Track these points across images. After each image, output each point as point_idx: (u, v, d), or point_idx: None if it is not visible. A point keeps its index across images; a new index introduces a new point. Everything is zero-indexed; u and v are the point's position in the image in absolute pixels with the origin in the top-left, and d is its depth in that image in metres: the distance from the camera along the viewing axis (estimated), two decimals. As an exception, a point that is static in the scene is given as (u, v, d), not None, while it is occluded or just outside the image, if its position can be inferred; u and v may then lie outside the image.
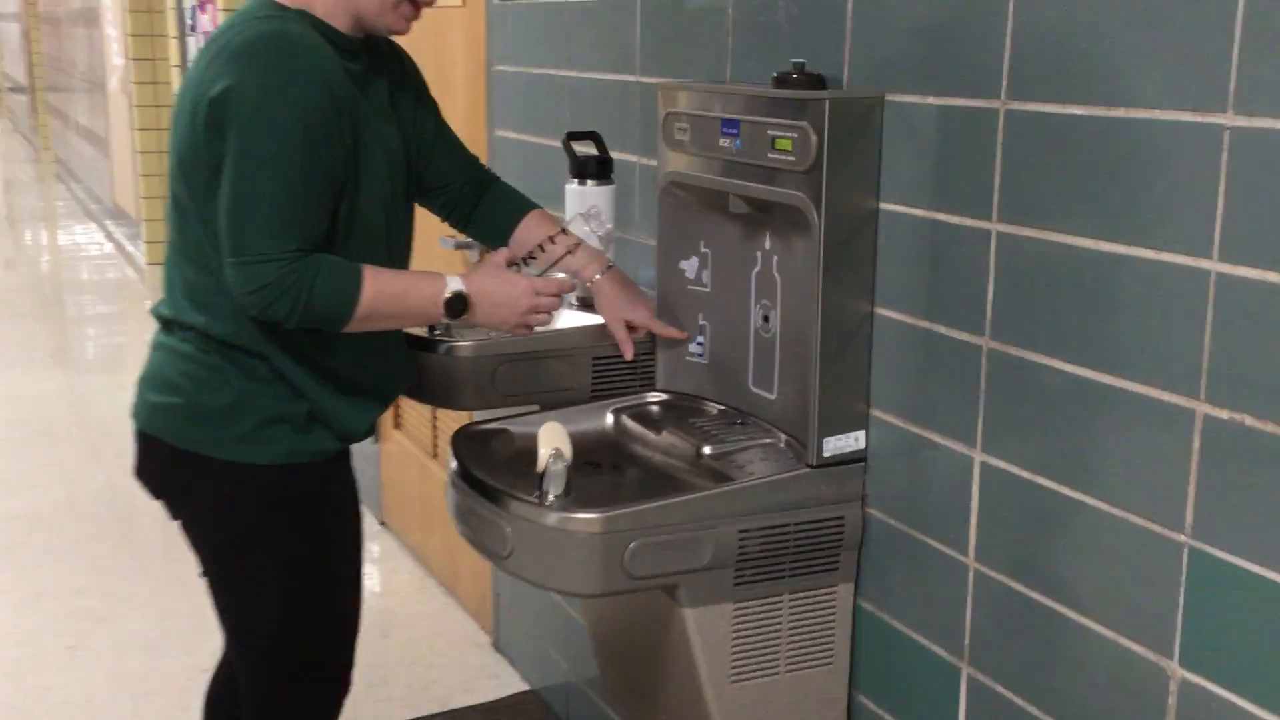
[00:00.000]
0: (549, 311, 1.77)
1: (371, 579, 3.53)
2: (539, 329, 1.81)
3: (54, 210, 11.13)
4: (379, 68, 1.80)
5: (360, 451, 1.93)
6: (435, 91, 2.05)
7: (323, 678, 1.84)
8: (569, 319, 2.10)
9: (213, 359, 1.70)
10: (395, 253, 1.83)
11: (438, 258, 3.04)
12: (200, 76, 1.64)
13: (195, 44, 6.12)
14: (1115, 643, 1.34)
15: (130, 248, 8.68)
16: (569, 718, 2.72)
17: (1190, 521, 1.24)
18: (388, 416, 3.65)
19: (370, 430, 1.84)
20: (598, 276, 1.91)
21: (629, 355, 1.93)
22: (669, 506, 1.60)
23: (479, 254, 2.26)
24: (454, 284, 1.69)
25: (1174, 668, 1.28)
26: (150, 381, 1.76)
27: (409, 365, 1.89)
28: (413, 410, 3.52)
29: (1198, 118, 1.19)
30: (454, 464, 1.76)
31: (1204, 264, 1.20)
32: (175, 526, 1.81)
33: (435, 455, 3.39)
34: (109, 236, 9.36)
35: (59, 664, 3.06)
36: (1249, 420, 1.17)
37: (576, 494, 1.61)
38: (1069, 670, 1.41)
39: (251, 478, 1.72)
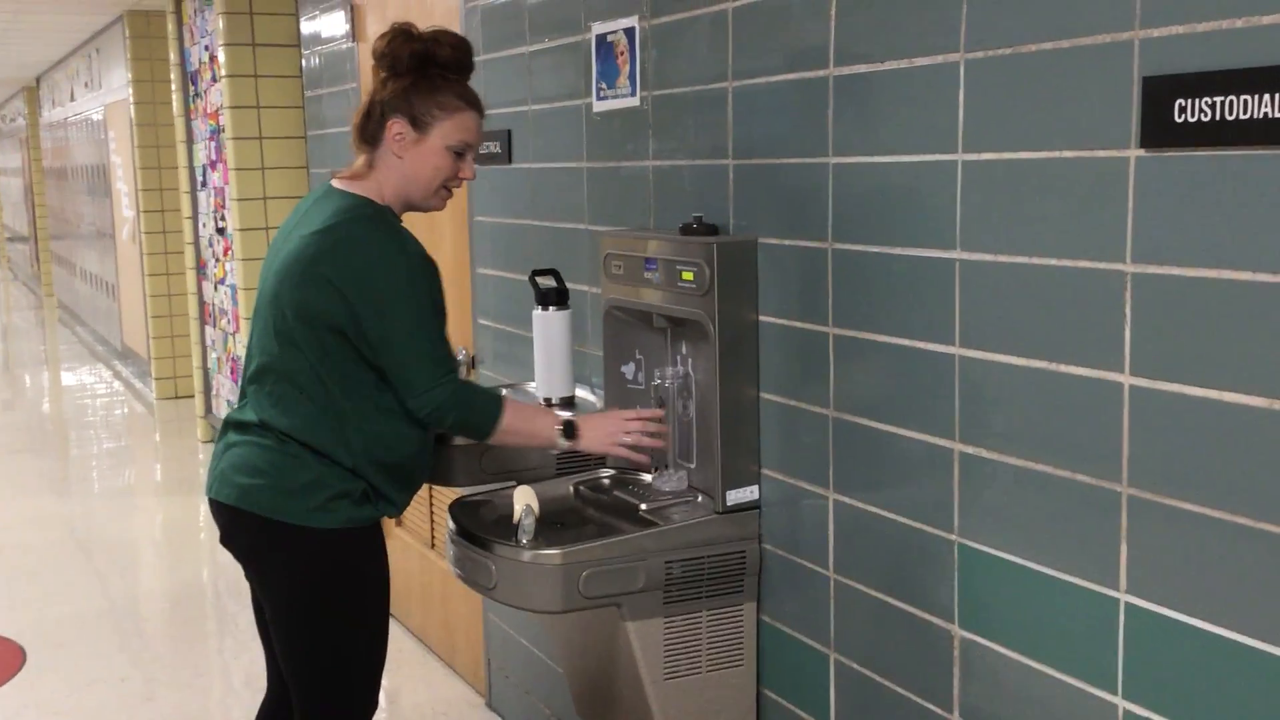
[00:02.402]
0: (639, 434, 2.28)
1: (379, 659, 4.03)
2: (641, 451, 2.30)
3: (57, 353, 11.72)
4: None
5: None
6: (429, 238, 2.68)
7: (362, 699, 2.37)
8: (537, 415, 2.68)
9: (293, 449, 2.22)
10: None
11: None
12: (323, 256, 2.16)
13: (206, 198, 6.79)
14: (920, 617, 1.90)
15: (139, 385, 9.27)
16: (552, 756, 3.22)
17: (957, 524, 1.81)
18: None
19: (406, 506, 2.38)
20: None
21: None
22: (611, 544, 2.16)
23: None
24: (564, 415, 2.24)
25: (955, 630, 1.84)
26: (237, 469, 2.26)
27: (432, 458, 2.43)
28: (412, 509, 4.08)
29: (940, 254, 1.80)
30: (451, 524, 2.32)
31: (950, 350, 1.79)
32: (195, 625, 2.33)
33: (433, 546, 3.93)
34: (117, 375, 9.95)
35: (115, 734, 3.56)
36: (984, 452, 1.76)
37: (542, 538, 2.18)
38: (895, 641, 1.96)
39: (320, 539, 2.23)
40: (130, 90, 8.40)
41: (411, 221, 2.33)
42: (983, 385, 1.75)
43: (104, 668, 4.05)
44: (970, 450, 1.78)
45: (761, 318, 2.21)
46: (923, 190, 1.82)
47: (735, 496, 2.25)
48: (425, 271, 2.21)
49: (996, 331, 1.72)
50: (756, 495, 2.26)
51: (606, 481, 2.52)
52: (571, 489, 2.51)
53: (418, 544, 4.04)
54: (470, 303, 3.44)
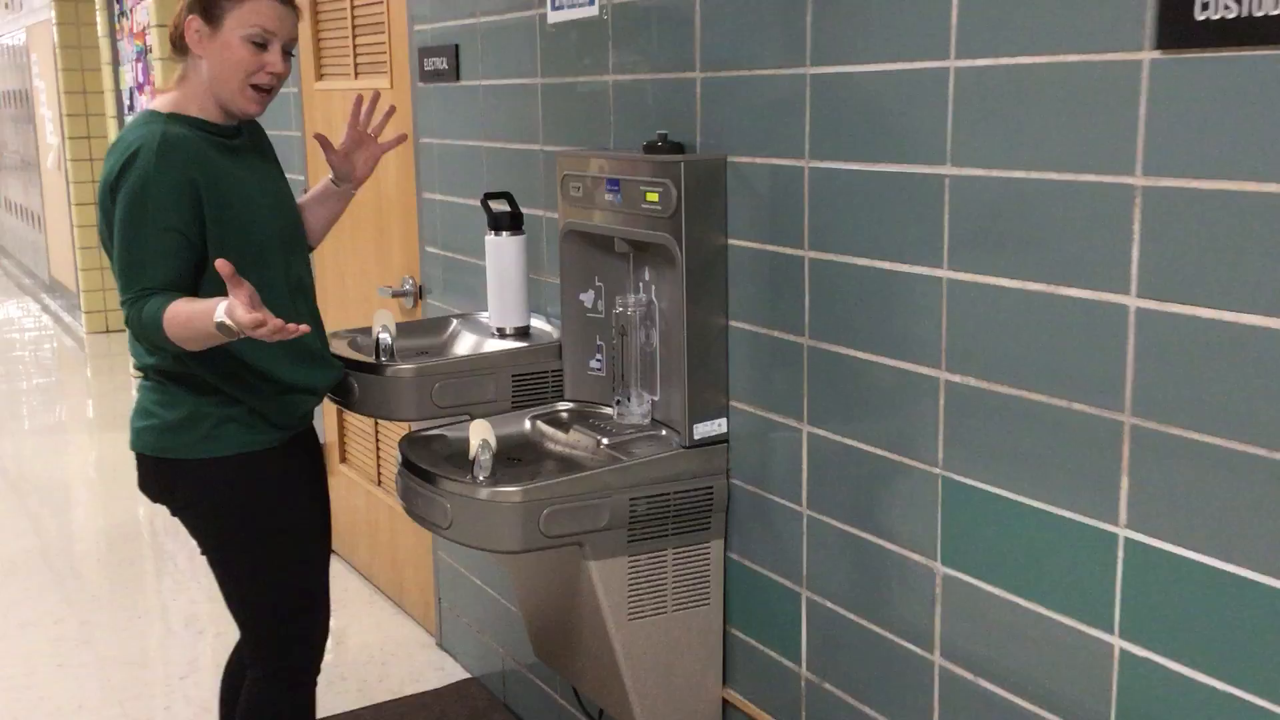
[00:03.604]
0: (252, 325, 1.89)
1: (325, 599, 3.92)
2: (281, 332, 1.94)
3: (-16, 286, 11.36)
4: (255, 140, 2.31)
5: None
6: None
7: (305, 626, 2.30)
8: (490, 344, 2.56)
9: (169, 386, 2.19)
10: (295, 263, 2.29)
11: (374, 304, 3.50)
12: (103, 177, 2.13)
13: (134, 123, 6.52)
14: (899, 553, 1.81)
15: (69, 318, 8.98)
16: (506, 696, 3.14)
17: (940, 457, 1.72)
18: (334, 451, 4.06)
19: (303, 420, 2.32)
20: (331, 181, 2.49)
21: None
22: (574, 480, 2.05)
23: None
24: (219, 313, 1.93)
25: (938, 566, 1.75)
26: (135, 414, 2.26)
27: (327, 364, 2.34)
28: (357, 444, 3.94)
29: (928, 170, 1.68)
30: (401, 460, 2.20)
31: (937, 272, 1.69)
32: (132, 565, 2.29)
33: (379, 483, 3.80)
34: (45, 309, 9.64)
35: (50, 679, 3.42)
36: (972, 381, 1.66)
37: (500, 475, 2.06)
38: (871, 578, 1.88)
39: (217, 469, 2.20)
40: (53, 10, 8.03)
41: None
42: (972, 310, 1.65)
43: (37, 610, 3.89)
44: (956, 379, 1.68)
45: (731, 241, 2.10)
46: (910, 101, 1.70)
47: (702, 430, 2.14)
48: (156, 181, 2.06)
49: (988, 252, 1.61)
50: (725, 428, 2.16)
51: (565, 415, 2.40)
52: (529, 423, 2.39)
53: (363, 481, 3.91)
54: (417, 230, 3.29)
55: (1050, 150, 1.51)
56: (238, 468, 2.21)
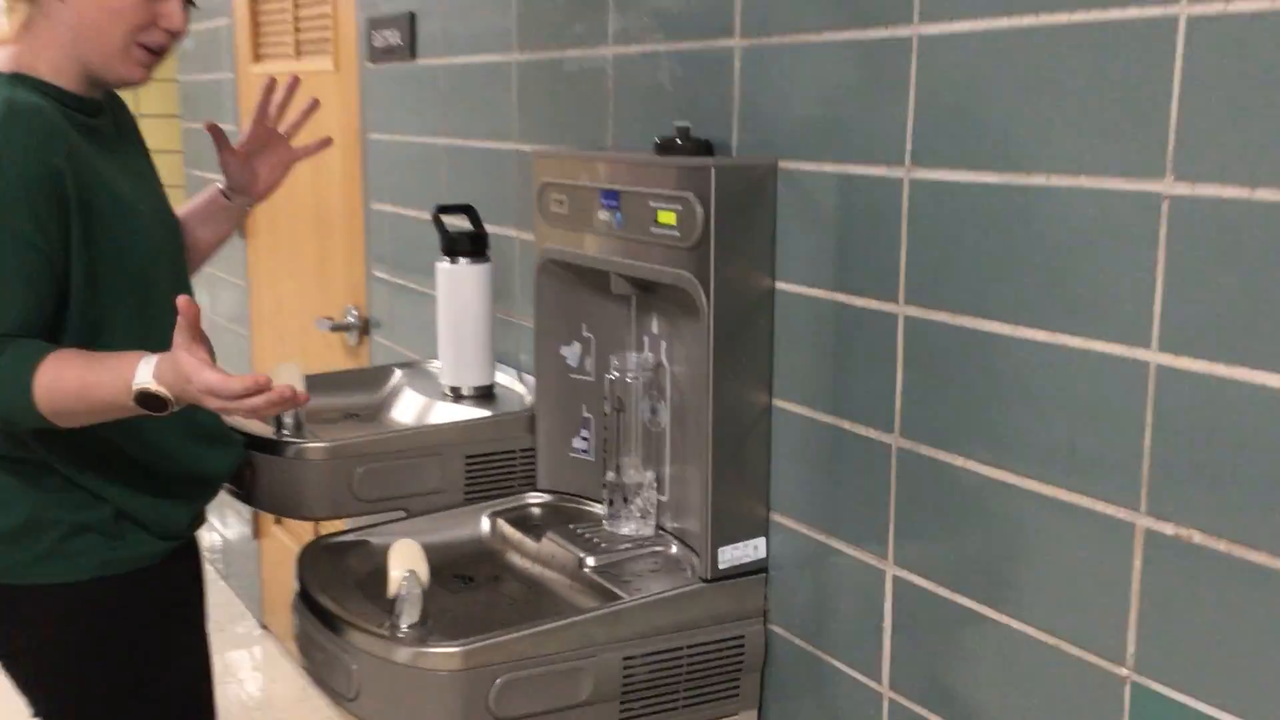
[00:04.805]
0: (241, 393, 1.33)
1: (251, 688, 3.27)
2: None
3: None
4: (119, 121, 1.66)
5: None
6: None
7: None
8: (439, 410, 1.91)
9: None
10: (179, 283, 1.66)
11: (315, 339, 2.84)
12: None
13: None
14: (1053, 793, 1.15)
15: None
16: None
17: (1131, 651, 1.06)
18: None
19: (193, 525, 1.66)
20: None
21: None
22: (540, 635, 1.38)
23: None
24: (143, 377, 1.36)
25: (1122, 825, 1.09)
26: None
27: (228, 442, 1.70)
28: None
29: (1131, 185, 1.03)
30: (296, 585, 1.54)
31: (1141, 354, 1.03)
32: None
33: (318, 553, 3.14)
34: None
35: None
36: (1197, 536, 1.00)
37: (436, 620, 1.40)
38: (1001, 822, 1.21)
39: (62, 599, 1.53)
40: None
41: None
42: (1199, 419, 0.99)
43: None
44: (1168, 531, 1.02)
45: (780, 285, 1.44)
46: (1094, 74, 1.05)
47: (731, 555, 1.48)
48: (4, 172, 1.40)
49: (1238, 326, 0.96)
50: (763, 553, 1.50)
51: (537, 513, 1.74)
52: (487, 522, 1.74)
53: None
54: (364, 248, 2.63)
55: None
56: (97, 597, 1.55)
